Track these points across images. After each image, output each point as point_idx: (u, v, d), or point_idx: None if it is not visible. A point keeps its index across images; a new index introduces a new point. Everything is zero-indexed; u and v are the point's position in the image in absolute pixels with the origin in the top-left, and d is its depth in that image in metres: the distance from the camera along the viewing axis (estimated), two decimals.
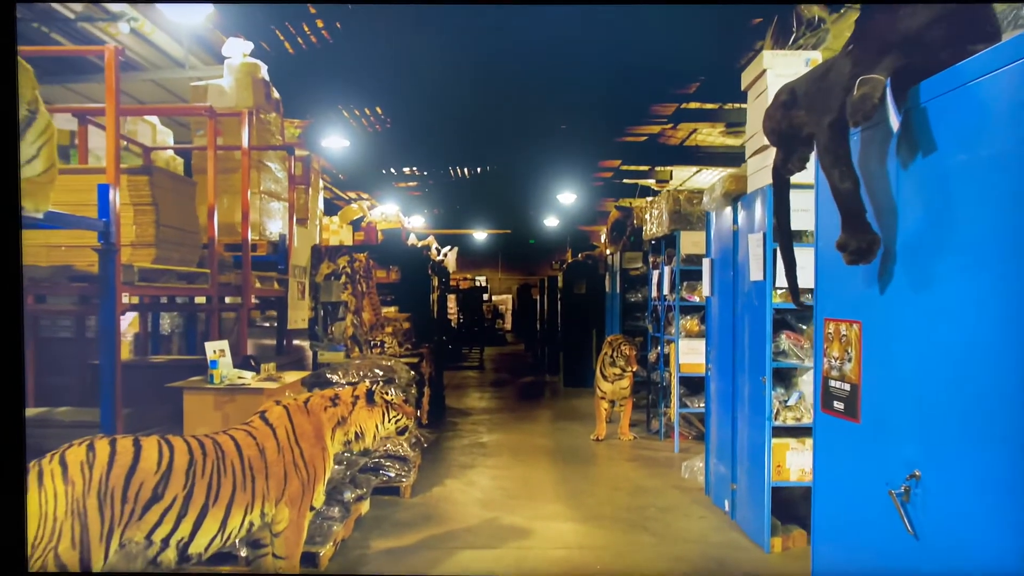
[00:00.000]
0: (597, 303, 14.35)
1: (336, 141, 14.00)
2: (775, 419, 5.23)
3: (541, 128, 14.62)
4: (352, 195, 21.23)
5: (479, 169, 19.24)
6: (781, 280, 5.18)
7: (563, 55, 10.26)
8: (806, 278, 5.20)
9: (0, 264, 2.40)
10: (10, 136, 2.50)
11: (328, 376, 6.82)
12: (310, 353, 8.48)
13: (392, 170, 19.21)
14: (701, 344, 8.63)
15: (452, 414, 11.62)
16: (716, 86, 11.94)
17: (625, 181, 19.70)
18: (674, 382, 8.75)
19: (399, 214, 15.97)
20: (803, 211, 5.14)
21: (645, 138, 15.66)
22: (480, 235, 30.54)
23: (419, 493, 6.87)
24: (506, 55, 10.38)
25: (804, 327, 5.32)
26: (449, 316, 24.62)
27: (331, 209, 16.18)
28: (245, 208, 6.96)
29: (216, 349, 5.76)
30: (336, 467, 5.67)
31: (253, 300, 7.64)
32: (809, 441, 5.26)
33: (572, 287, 15.25)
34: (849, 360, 2.82)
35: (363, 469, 6.46)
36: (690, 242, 8.70)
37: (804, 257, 5.20)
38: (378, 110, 13.86)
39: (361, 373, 6.79)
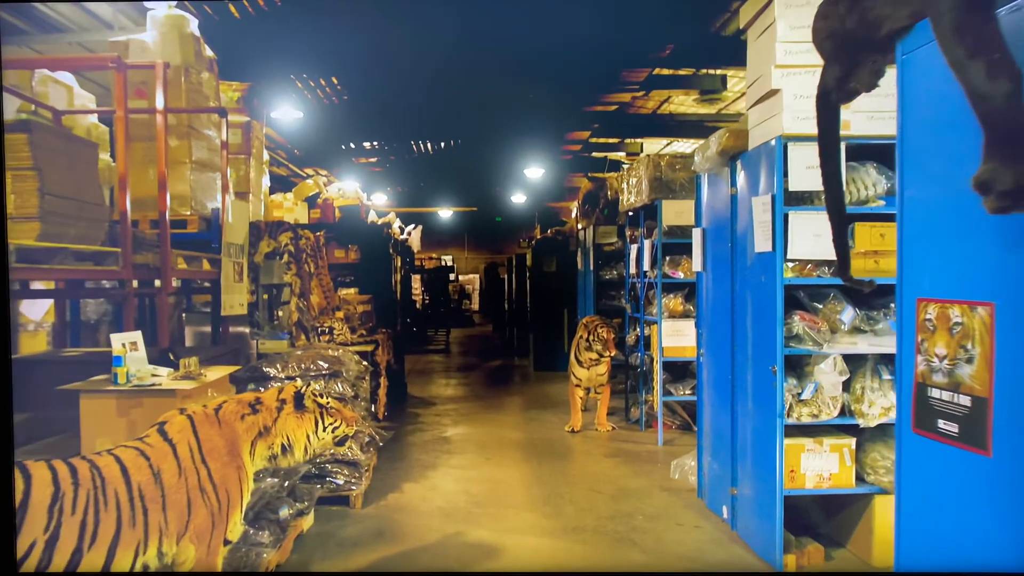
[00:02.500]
0: (568, 281, 13.54)
1: (288, 112, 13.07)
2: (787, 416, 4.43)
3: (507, 98, 13.77)
4: (309, 171, 20.28)
5: (443, 144, 18.40)
6: (794, 251, 4.38)
7: (528, 18, 9.43)
8: (821, 248, 4.42)
9: None
10: None
11: (265, 370, 5.94)
12: (254, 343, 7.60)
13: (351, 145, 18.29)
14: (685, 325, 7.87)
15: (414, 404, 10.76)
16: (690, 50, 11.23)
17: (594, 155, 18.99)
18: (657, 368, 7.94)
19: (358, 191, 15.08)
20: (818, 168, 4.30)
21: (615, 107, 14.88)
22: (445, 213, 29.68)
23: (372, 502, 6.01)
24: (468, 21, 9.55)
25: (819, 306, 4.51)
26: (413, 297, 23.81)
27: (288, 186, 15.27)
28: (162, 177, 6.02)
29: (125, 342, 4.83)
30: (270, 480, 4.80)
31: (176, 283, 6.76)
32: (828, 441, 4.47)
33: (541, 265, 14.41)
34: (969, 361, 1.99)
35: (306, 477, 5.59)
36: (673, 212, 7.89)
37: (817, 223, 4.42)
38: (334, 80, 12.93)
39: (303, 366, 5.91)
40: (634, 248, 8.91)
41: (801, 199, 4.52)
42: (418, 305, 24.30)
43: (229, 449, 3.44)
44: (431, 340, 22.03)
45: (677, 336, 7.90)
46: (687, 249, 8.06)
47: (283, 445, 3.66)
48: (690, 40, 10.75)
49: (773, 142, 4.43)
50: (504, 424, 9.14)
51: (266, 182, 9.66)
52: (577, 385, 8.60)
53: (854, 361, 4.48)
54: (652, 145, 16.54)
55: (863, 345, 4.36)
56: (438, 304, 26.20)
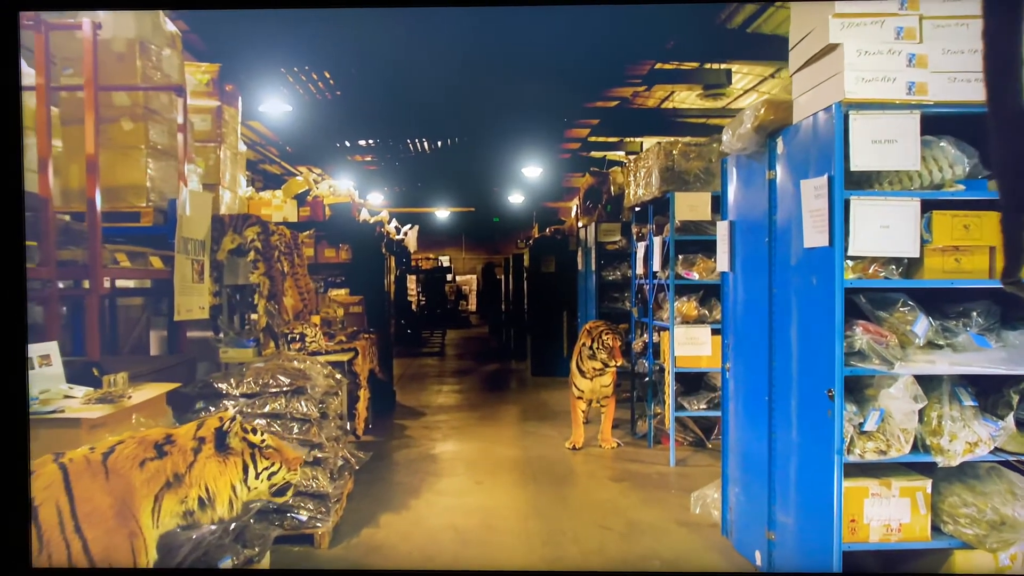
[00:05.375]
0: (568, 282, 12.69)
1: (277, 105, 12.31)
2: (847, 452, 3.55)
3: (505, 94, 13.05)
4: (303, 169, 19.64)
5: (440, 143, 17.70)
6: (856, 245, 3.51)
7: (528, 12, 8.71)
8: (889, 242, 3.56)
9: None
10: (13, 138, 2.87)
11: (217, 386, 5.06)
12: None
13: (346, 143, 17.58)
14: (700, 332, 7.02)
15: (402, 414, 9.89)
16: (694, 43, 10.63)
17: (593, 154, 18.43)
18: (669, 379, 7.07)
19: (351, 188, 14.33)
20: (886, 142, 3.47)
21: (616, 103, 14.20)
22: (442, 213, 29.06)
23: (343, 539, 5.13)
24: (466, 16, 8.87)
25: (884, 315, 3.63)
26: (409, 298, 23.04)
27: (281, 184, 14.59)
28: (90, 159, 5.15)
29: (33, 356, 4.00)
30: (209, 527, 3.92)
31: (108, 283, 5.93)
32: (898, 483, 3.59)
33: (539, 265, 13.55)
34: None
35: (261, 513, 4.71)
36: (687, 206, 7.02)
37: (885, 211, 3.56)
38: (326, 75, 12.17)
39: (260, 381, 5.04)
40: (642, 246, 8.05)
41: (859, 183, 3.65)
42: (413, 306, 23.54)
43: (118, 510, 2.57)
44: (426, 342, 21.19)
45: (691, 344, 7.03)
46: (702, 247, 7.25)
47: (200, 498, 2.80)
48: (694, 33, 10.19)
49: (829, 111, 3.56)
50: (499, 439, 8.27)
51: (243, 181, 8.84)
52: (579, 397, 7.73)
53: (924, 383, 3.61)
54: (653, 144, 15.85)
55: (942, 364, 3.49)
56: (434, 305, 25.43)
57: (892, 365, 3.47)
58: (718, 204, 6.82)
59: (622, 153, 17.52)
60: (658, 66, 11.79)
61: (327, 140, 17.00)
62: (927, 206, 3.53)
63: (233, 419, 2.91)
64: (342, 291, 10.68)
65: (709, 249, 7.17)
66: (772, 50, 10.23)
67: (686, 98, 13.97)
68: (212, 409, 4.85)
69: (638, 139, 16.87)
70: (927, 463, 3.60)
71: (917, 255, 3.51)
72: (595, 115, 14.83)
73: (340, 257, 10.82)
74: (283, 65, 11.59)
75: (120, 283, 7.12)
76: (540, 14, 8.88)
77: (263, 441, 2.98)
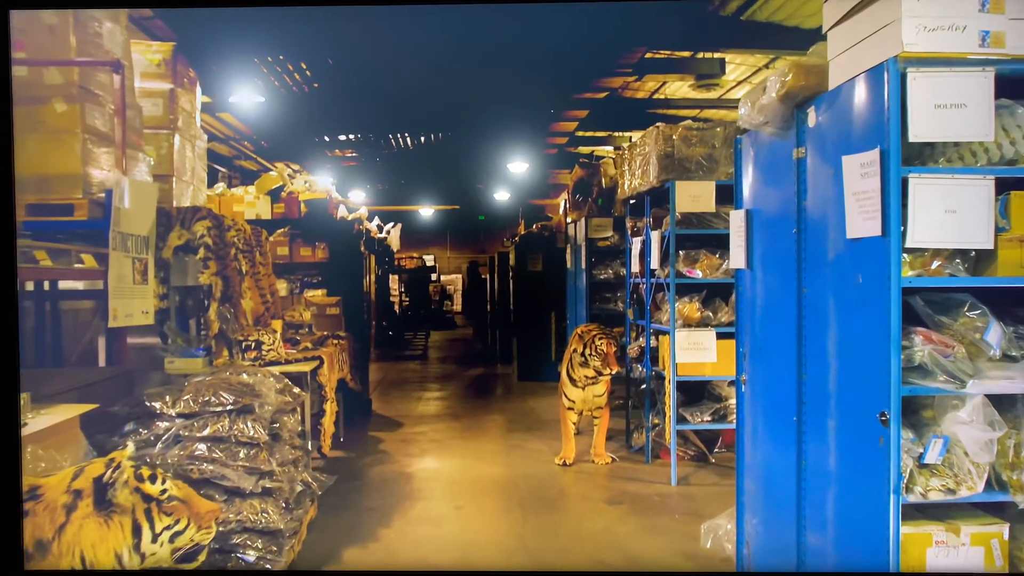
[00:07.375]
0: (556, 282, 12.04)
1: (248, 96, 11.61)
2: (906, 491, 2.88)
3: (490, 85, 12.40)
4: (279, 165, 18.96)
5: (423, 139, 17.05)
6: (917, 235, 2.84)
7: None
8: (956, 230, 2.89)
9: None
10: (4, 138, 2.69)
11: (150, 405, 4.34)
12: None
13: (325, 138, 16.89)
14: (703, 336, 6.37)
15: (378, 425, 9.18)
16: (686, 31, 10.05)
17: (580, 149, 17.83)
18: (669, 389, 6.41)
19: (328, 185, 13.67)
20: (953, 107, 2.82)
21: (605, 94, 13.57)
22: (426, 211, 28.41)
23: None
24: (448, 6, 8.29)
25: (947, 320, 2.96)
26: (392, 299, 22.39)
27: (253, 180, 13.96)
28: None
29: None
30: None
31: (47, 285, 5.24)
32: (968, 529, 2.91)
33: (526, 263, 12.88)
34: None
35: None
36: (688, 196, 6.35)
37: (951, 191, 2.89)
38: (303, 66, 11.49)
39: (201, 399, 4.32)
40: (637, 242, 7.37)
41: (908, 159, 2.96)
42: (396, 307, 22.87)
43: None
44: (408, 344, 20.51)
45: (694, 350, 6.37)
46: (705, 242, 6.60)
47: (74, 571, 2.09)
48: (686, 19, 9.65)
49: (879, 71, 2.87)
50: (482, 454, 7.58)
51: (202, 163, 8.14)
52: (570, 408, 7.05)
53: (994, 403, 2.93)
54: (650, 128, 15.28)
55: (1022, 380, 2.83)
56: (418, 306, 24.76)
57: (963, 383, 2.80)
58: (723, 194, 6.19)
59: (610, 148, 16.97)
60: (649, 55, 11.20)
61: (305, 135, 16.36)
62: (1002, 186, 2.86)
63: (119, 467, 2.21)
64: (319, 292, 10.09)
65: (713, 244, 6.54)
66: (767, 39, 9.76)
67: (678, 89, 13.37)
68: (143, 431, 4.15)
69: (627, 133, 16.30)
70: (999, 502, 2.93)
71: (991, 246, 2.84)
72: (583, 106, 14.20)
73: (316, 256, 10.27)
74: (256, 55, 10.92)
75: (65, 284, 6.44)
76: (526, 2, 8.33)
77: (164, 492, 2.29)
